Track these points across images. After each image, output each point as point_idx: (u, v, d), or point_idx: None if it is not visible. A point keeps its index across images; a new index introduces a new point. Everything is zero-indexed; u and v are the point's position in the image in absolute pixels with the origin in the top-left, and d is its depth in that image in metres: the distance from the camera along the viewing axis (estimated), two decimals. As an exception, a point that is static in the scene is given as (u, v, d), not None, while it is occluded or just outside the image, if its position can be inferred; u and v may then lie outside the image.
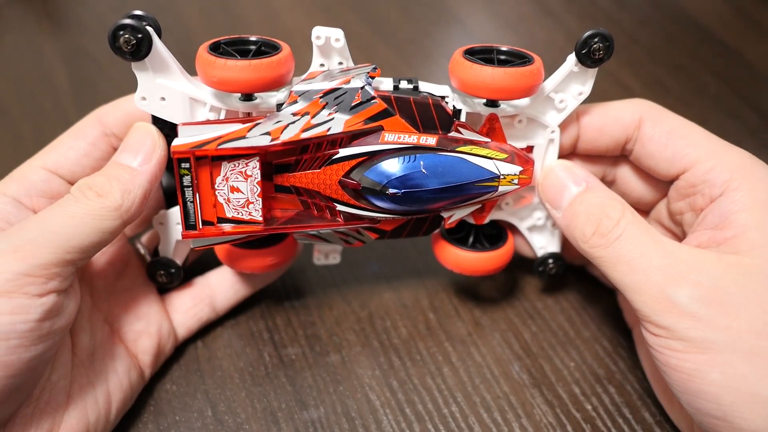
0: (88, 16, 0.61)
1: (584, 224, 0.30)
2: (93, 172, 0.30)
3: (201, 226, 0.31)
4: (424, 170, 0.31)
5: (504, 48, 0.33)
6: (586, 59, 0.32)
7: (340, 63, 0.32)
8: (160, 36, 0.30)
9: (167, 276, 0.35)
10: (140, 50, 0.29)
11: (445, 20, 0.63)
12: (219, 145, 0.29)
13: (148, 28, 0.29)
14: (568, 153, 0.36)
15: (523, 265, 0.41)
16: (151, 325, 0.34)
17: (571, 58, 0.32)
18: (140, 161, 0.30)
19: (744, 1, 0.68)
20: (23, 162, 0.32)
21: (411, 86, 0.32)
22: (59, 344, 0.28)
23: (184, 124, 0.30)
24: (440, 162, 0.31)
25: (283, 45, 0.30)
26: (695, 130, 0.32)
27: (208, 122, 0.31)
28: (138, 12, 0.30)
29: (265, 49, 0.31)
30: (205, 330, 0.37)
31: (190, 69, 0.31)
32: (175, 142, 0.29)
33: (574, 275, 0.41)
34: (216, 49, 0.30)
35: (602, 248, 0.29)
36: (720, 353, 0.25)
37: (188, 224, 0.31)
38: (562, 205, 0.32)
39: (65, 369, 0.29)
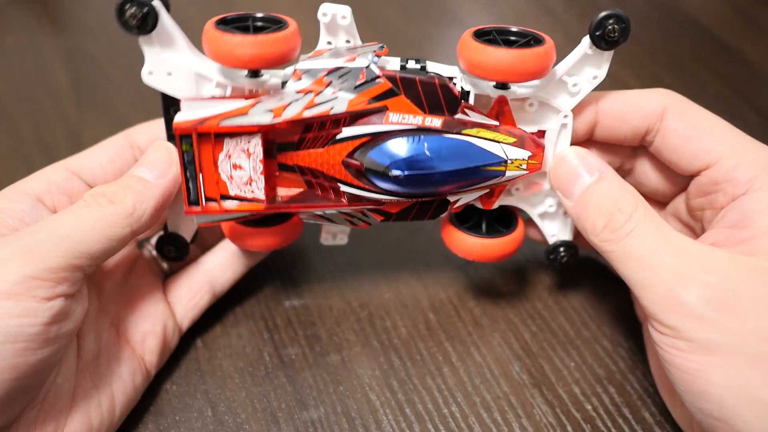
0: (88, 16, 0.61)
1: (595, 217, 0.29)
2: (114, 179, 0.31)
3: (204, 203, 0.31)
4: (428, 152, 0.30)
5: (513, 29, 0.31)
6: (600, 41, 0.30)
7: (348, 41, 0.32)
8: (168, 11, 0.30)
9: (176, 251, 0.35)
10: (146, 24, 0.29)
11: (446, 20, 0.63)
12: (221, 122, 0.29)
13: (156, 2, 0.29)
14: (585, 140, 0.34)
15: (523, 265, 0.41)
16: (156, 324, 0.34)
17: (585, 40, 0.31)
18: (156, 175, 0.30)
19: (744, 1, 0.68)
20: (23, 162, 0.32)
21: (419, 66, 0.32)
22: (66, 348, 0.28)
23: (187, 99, 0.30)
24: (445, 145, 0.30)
25: (290, 21, 0.30)
26: (719, 124, 0.31)
27: (211, 98, 0.31)
28: None
29: (271, 24, 0.30)
30: (206, 330, 0.37)
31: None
32: (178, 117, 0.29)
33: (575, 275, 0.41)
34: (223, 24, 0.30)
35: (612, 243, 0.28)
36: (725, 356, 0.25)
37: (191, 200, 0.31)
38: (574, 194, 0.31)
39: (70, 372, 0.29)
